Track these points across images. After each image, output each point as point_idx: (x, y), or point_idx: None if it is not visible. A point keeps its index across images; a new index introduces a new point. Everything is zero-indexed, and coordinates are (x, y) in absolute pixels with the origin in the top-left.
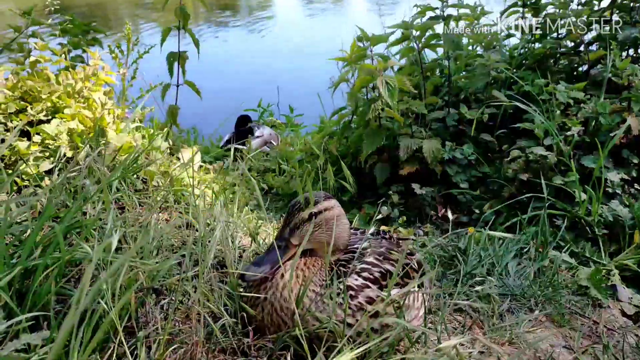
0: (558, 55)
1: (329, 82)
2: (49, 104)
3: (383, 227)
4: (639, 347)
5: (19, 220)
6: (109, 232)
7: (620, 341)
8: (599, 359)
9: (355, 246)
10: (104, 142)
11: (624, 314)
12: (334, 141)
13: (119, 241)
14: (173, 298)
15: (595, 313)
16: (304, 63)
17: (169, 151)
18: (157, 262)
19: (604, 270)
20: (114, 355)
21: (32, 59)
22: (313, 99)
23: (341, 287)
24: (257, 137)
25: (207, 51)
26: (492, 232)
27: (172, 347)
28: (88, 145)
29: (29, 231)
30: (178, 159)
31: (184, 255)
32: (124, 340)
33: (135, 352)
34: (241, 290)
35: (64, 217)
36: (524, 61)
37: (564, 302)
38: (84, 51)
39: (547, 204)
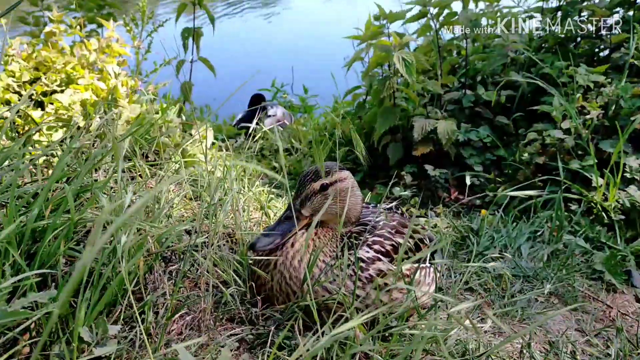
0: (579, 38)
1: (344, 62)
2: (63, 75)
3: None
4: None
5: (28, 181)
6: (118, 194)
7: (634, 325)
8: (612, 342)
9: (368, 219)
10: (117, 112)
11: (638, 299)
12: (347, 121)
13: (128, 205)
14: (181, 266)
15: (608, 297)
16: (319, 43)
17: (181, 127)
18: (166, 227)
19: (619, 256)
20: (121, 317)
21: (47, 29)
22: (327, 80)
23: (352, 258)
24: (270, 116)
25: (221, 29)
26: None
27: (180, 313)
28: (102, 112)
29: (39, 192)
30: (191, 135)
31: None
32: (133, 303)
33: (143, 317)
34: (250, 261)
35: (75, 179)
36: (543, 44)
37: (577, 285)
38: (99, 26)
39: (562, 188)
